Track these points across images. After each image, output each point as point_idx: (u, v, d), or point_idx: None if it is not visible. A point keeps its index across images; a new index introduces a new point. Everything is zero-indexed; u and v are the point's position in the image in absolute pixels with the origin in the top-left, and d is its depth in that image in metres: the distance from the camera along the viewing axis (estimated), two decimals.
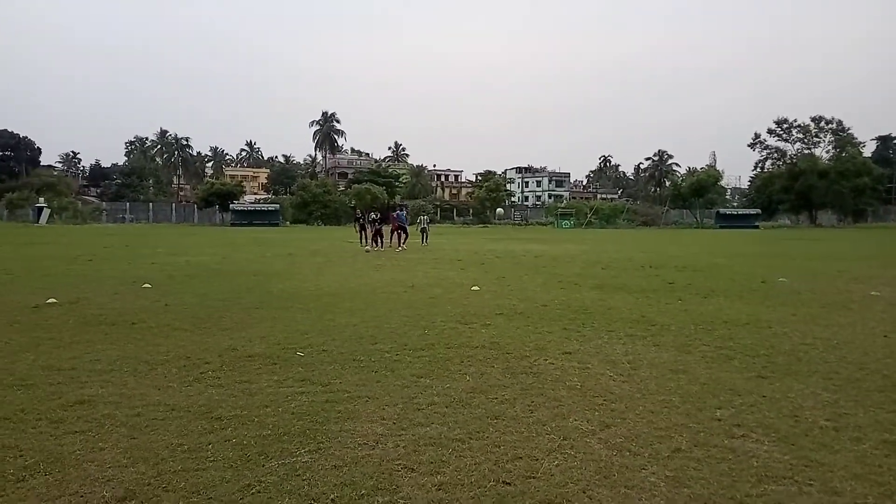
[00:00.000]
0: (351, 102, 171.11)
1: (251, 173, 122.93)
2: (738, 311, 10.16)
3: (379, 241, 26.43)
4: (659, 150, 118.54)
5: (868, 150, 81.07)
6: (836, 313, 10.03)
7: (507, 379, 6.05)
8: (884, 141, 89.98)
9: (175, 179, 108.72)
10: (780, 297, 11.90)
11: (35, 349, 7.15)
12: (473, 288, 12.99)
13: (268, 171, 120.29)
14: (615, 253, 25.27)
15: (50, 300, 10.73)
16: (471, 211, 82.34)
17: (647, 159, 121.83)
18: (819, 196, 70.55)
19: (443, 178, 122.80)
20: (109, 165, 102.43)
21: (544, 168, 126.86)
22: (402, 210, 31.27)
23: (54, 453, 4.19)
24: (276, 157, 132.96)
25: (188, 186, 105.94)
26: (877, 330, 8.57)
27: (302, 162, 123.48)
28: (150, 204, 75.04)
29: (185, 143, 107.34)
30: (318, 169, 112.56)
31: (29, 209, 61.91)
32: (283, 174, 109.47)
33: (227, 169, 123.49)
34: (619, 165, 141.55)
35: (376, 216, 28.04)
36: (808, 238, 41.46)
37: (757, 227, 65.44)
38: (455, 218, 79.55)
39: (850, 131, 76.27)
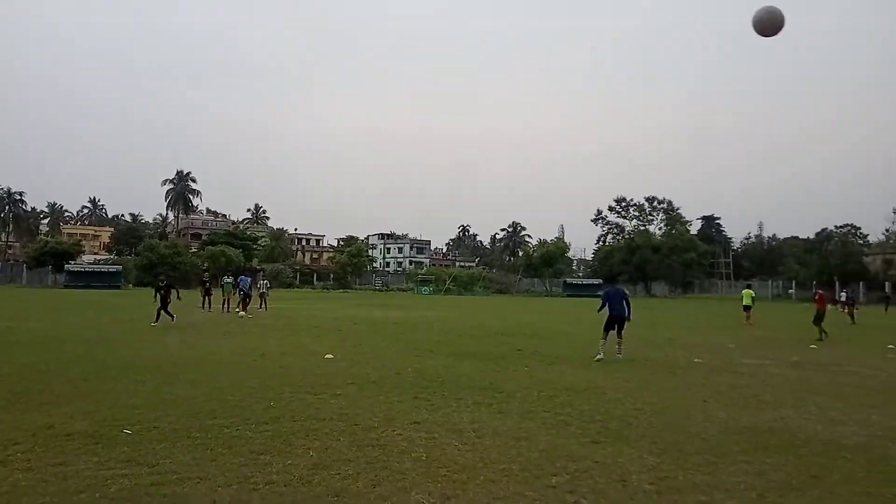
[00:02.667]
0: (210, 162, 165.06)
1: (92, 231, 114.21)
2: (578, 378, 10.71)
3: (245, 304, 25.74)
4: (513, 222, 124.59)
5: (694, 229, 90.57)
6: (663, 379, 10.86)
7: (352, 452, 5.93)
8: (707, 220, 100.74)
9: (3, 236, 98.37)
10: (617, 364, 12.71)
11: None
12: (327, 356, 12.73)
13: (112, 230, 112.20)
14: (471, 320, 25.92)
15: None
16: (331, 276, 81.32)
17: (503, 230, 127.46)
18: (653, 269, 77.36)
19: (304, 242, 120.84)
20: None
21: (406, 235, 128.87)
22: (247, 276, 29.83)
23: None
24: (123, 215, 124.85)
25: (17, 244, 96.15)
26: (698, 395, 9.36)
27: (151, 221, 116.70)
28: None
29: (17, 197, 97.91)
30: (169, 229, 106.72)
31: None
32: (129, 234, 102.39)
33: (64, 227, 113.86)
34: (476, 235, 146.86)
35: (231, 280, 27.14)
36: (644, 307, 44.83)
37: (599, 296, 69.92)
38: (315, 283, 78.10)
39: (678, 210, 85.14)
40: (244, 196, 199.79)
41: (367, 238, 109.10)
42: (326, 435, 6.53)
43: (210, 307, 27.16)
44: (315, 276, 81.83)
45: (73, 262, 62.33)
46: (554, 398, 8.81)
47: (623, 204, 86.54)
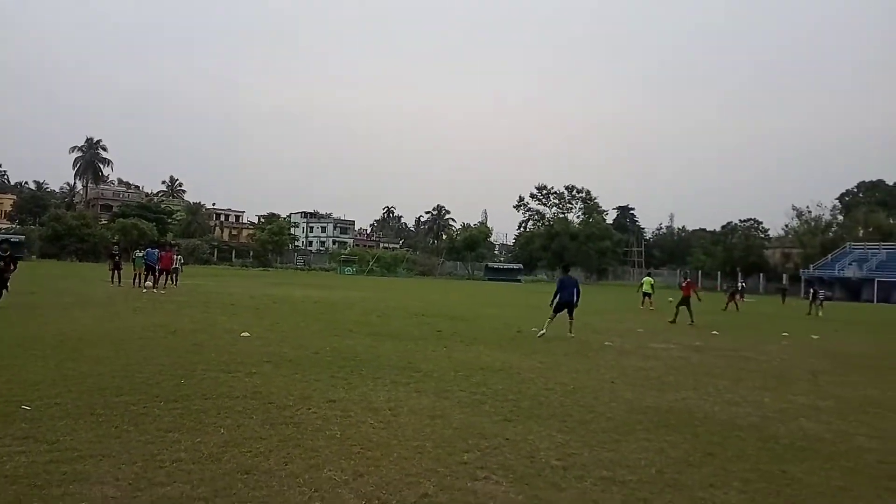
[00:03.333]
0: (123, 130, 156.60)
1: None
2: (494, 359, 10.95)
3: (155, 279, 24.60)
4: (438, 205, 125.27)
5: (610, 218, 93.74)
6: (575, 361, 11.26)
7: (265, 430, 5.86)
8: (623, 210, 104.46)
9: None
10: (532, 346, 13.08)
11: None
12: (243, 334, 12.46)
13: (14, 197, 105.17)
14: (392, 301, 25.94)
15: None
16: (251, 253, 79.34)
17: (427, 213, 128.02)
18: (571, 255, 79.51)
19: (223, 218, 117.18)
20: None
21: (330, 214, 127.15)
22: (153, 249, 27.61)
23: None
24: (26, 182, 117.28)
25: None
26: (606, 377, 9.77)
27: (58, 191, 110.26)
28: None
29: None
30: (77, 199, 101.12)
31: None
32: (32, 202, 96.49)
33: None
34: (401, 217, 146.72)
35: (143, 254, 25.98)
36: None
37: (520, 280, 71.47)
38: (234, 260, 75.99)
39: (596, 200, 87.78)
40: (159, 168, 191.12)
41: (289, 216, 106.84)
42: (239, 413, 6.43)
43: (120, 282, 25.99)
44: (234, 252, 79.68)
45: None
46: (470, 378, 8.99)
47: (544, 192, 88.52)
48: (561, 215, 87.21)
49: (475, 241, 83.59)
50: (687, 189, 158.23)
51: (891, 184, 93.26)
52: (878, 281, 61.68)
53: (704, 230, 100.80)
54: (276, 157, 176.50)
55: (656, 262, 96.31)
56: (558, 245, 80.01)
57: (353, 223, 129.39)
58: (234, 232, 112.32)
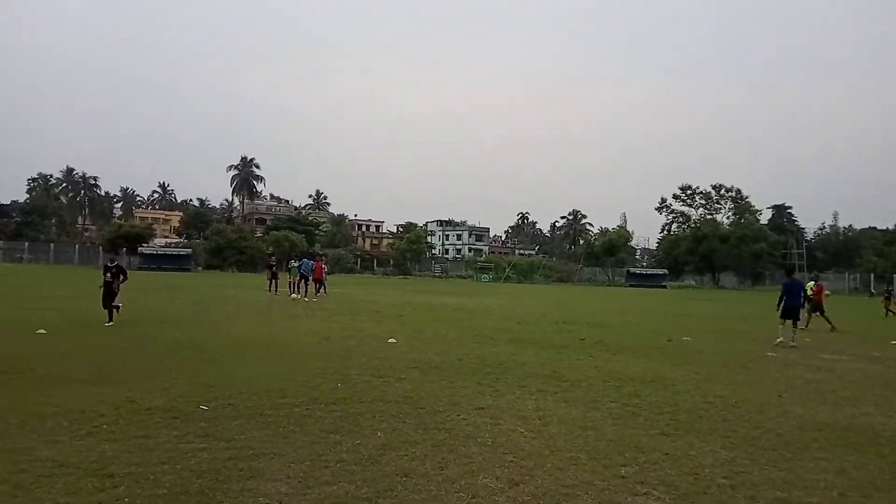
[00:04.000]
0: (273, 148, 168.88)
1: (163, 216, 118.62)
2: (644, 369, 10.50)
3: (303, 289, 26.21)
4: (574, 210, 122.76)
5: (764, 219, 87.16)
6: (734, 373, 10.54)
7: (418, 435, 5.98)
8: (778, 209, 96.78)
9: (80, 220, 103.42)
10: (685, 356, 12.40)
11: None
12: (390, 340, 12.88)
13: (181, 214, 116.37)
14: (531, 308, 25.76)
15: None
16: (391, 262, 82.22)
17: (563, 218, 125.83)
18: (721, 259, 74.85)
19: (364, 229, 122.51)
20: (9, 202, 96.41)
21: (465, 222, 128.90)
22: (308, 259, 29.02)
23: None
24: (191, 200, 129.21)
25: (94, 227, 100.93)
26: (772, 389, 9.04)
27: (218, 206, 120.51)
28: (52, 244, 70.74)
29: (92, 182, 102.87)
30: (234, 214, 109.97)
31: None
32: (197, 218, 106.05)
33: (137, 211, 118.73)
34: (536, 223, 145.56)
35: (298, 264, 27.66)
36: (712, 299, 43.72)
37: (665, 286, 68.32)
38: (375, 268, 79.17)
39: (747, 199, 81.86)
40: (306, 182, 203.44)
41: (425, 225, 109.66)
42: (393, 417, 6.62)
43: (276, 291, 27.85)
44: (375, 261, 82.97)
45: (145, 245, 64.94)
46: (620, 388, 8.67)
47: (688, 192, 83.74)
48: (709, 216, 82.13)
49: (614, 246, 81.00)
50: (853, 184, 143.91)
51: None
52: None
53: (875, 229, 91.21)
54: (411, 167, 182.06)
55: (820, 264, 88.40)
56: (706, 248, 75.38)
57: (487, 230, 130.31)
58: (374, 242, 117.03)
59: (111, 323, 13.91)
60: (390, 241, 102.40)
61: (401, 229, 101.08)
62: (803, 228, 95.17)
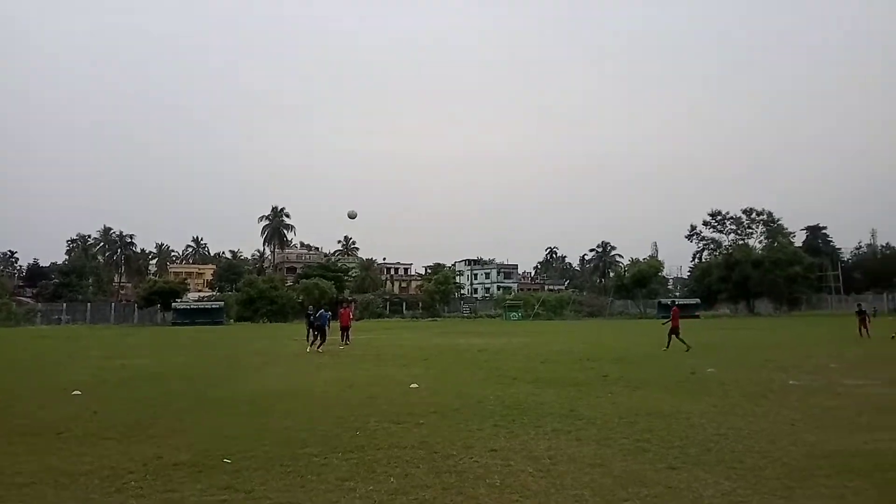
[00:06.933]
0: (302, 197, 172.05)
1: (196, 270, 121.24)
2: (663, 403, 10.56)
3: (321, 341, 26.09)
4: (603, 242, 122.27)
5: (798, 241, 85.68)
6: (754, 403, 10.54)
7: (430, 479, 6.21)
8: (813, 231, 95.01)
9: (116, 277, 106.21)
10: (706, 388, 12.40)
11: None
12: (412, 385, 13.11)
13: (214, 267, 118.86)
14: (557, 345, 25.75)
15: None
16: (420, 304, 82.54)
17: (592, 251, 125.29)
18: (755, 285, 73.47)
19: (392, 272, 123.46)
20: (49, 264, 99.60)
21: (493, 260, 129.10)
22: (325, 312, 27.29)
23: None
24: (224, 252, 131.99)
25: (129, 285, 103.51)
26: (787, 418, 9.06)
27: (250, 257, 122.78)
28: (88, 304, 72.69)
29: (128, 240, 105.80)
30: (266, 264, 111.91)
31: None
32: (229, 270, 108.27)
33: (171, 266, 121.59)
34: (565, 257, 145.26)
35: (329, 314, 27.82)
36: (744, 327, 43.01)
37: (697, 316, 67.22)
38: (404, 311, 79.52)
39: (779, 222, 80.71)
40: (335, 229, 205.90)
41: (453, 265, 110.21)
42: (407, 462, 6.86)
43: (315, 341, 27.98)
44: (404, 304, 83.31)
45: (179, 301, 66.34)
46: (634, 424, 8.78)
47: (718, 217, 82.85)
48: (740, 242, 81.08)
49: (645, 277, 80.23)
50: (890, 201, 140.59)
51: None
52: None
53: None
54: (438, 208, 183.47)
55: (857, 285, 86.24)
56: (739, 275, 74.17)
57: (516, 267, 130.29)
58: (403, 284, 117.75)
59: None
60: (419, 283, 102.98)
61: (429, 271, 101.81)
62: (839, 249, 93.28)
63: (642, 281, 79.24)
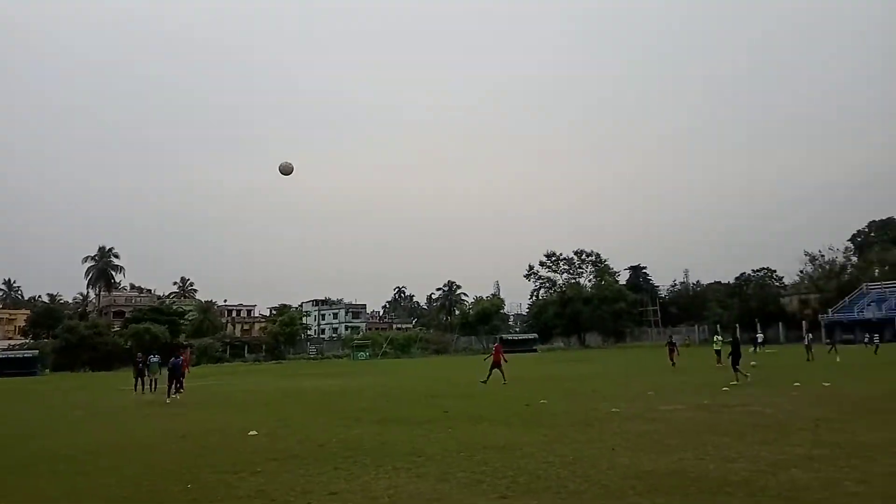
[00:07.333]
0: (135, 237, 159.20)
1: (7, 315, 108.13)
2: (499, 436, 11.05)
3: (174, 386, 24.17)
4: (449, 281, 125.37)
5: (623, 279, 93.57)
6: (579, 431, 11.33)
7: None
8: (635, 270, 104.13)
9: None
10: (539, 419, 13.15)
11: None
12: (251, 433, 12.61)
13: (28, 312, 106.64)
14: (404, 384, 25.99)
15: None
16: (263, 347, 79.48)
17: (439, 289, 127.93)
18: (585, 320, 79.29)
19: (234, 314, 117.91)
20: None
21: (341, 300, 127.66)
22: (176, 359, 26.72)
23: None
24: (40, 296, 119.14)
25: None
26: (608, 444, 9.85)
27: (71, 301, 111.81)
28: None
29: None
30: (89, 308, 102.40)
31: None
32: (46, 315, 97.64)
33: None
34: (413, 296, 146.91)
35: (158, 359, 26.07)
36: (576, 359, 45.97)
37: (535, 350, 70.87)
38: (246, 355, 76.07)
39: (606, 262, 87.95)
40: (172, 269, 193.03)
41: (300, 306, 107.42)
42: None
43: (144, 389, 26.01)
44: (246, 348, 79.83)
45: None
46: (472, 457, 9.11)
47: (553, 258, 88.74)
48: (572, 281, 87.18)
49: (488, 314, 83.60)
50: (699, 243, 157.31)
51: None
52: None
53: (719, 283, 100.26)
54: (285, 248, 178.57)
55: (673, 319, 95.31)
56: (572, 310, 79.75)
57: (364, 306, 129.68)
58: (245, 327, 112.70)
59: None
60: (263, 325, 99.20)
61: (274, 312, 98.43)
62: (657, 286, 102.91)
63: (485, 318, 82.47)
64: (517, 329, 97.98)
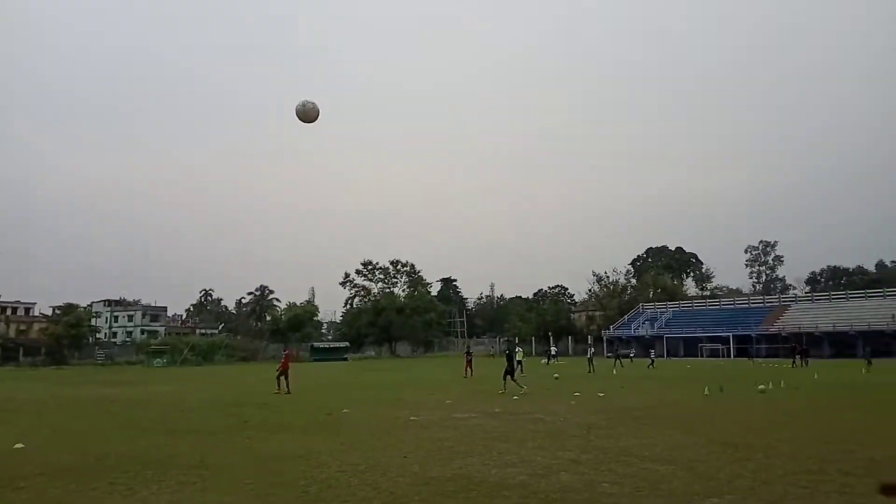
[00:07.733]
0: None
1: None
2: (297, 445, 10.98)
3: None
4: (261, 285, 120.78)
5: (435, 290, 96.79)
6: (377, 439, 11.62)
7: None
8: (446, 282, 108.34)
9: None
10: (339, 428, 13.25)
11: None
12: (17, 445, 11.32)
13: None
14: (202, 392, 24.71)
15: None
16: (43, 350, 71.00)
17: (250, 294, 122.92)
18: (397, 329, 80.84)
19: (9, 312, 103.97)
20: None
21: (138, 301, 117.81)
22: None
23: None
24: None
25: None
26: (402, 451, 10.21)
27: None
28: None
29: None
30: None
31: None
32: None
33: None
34: (221, 299, 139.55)
35: None
36: (385, 368, 46.66)
37: (346, 359, 70.78)
38: (21, 359, 67.46)
39: (420, 273, 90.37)
40: None
41: (90, 305, 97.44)
42: None
43: None
44: (22, 350, 70.89)
45: None
46: (266, 468, 8.99)
47: (370, 267, 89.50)
48: (387, 290, 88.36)
49: (301, 321, 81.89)
50: (503, 258, 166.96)
51: (672, 249, 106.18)
52: (666, 337, 69.03)
53: (520, 297, 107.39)
54: (75, 243, 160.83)
55: (478, 330, 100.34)
56: (385, 320, 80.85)
57: (165, 309, 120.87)
58: (22, 327, 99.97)
59: None
60: (43, 325, 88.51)
61: (58, 312, 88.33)
62: (466, 298, 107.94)
63: (298, 325, 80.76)
64: (330, 337, 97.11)
